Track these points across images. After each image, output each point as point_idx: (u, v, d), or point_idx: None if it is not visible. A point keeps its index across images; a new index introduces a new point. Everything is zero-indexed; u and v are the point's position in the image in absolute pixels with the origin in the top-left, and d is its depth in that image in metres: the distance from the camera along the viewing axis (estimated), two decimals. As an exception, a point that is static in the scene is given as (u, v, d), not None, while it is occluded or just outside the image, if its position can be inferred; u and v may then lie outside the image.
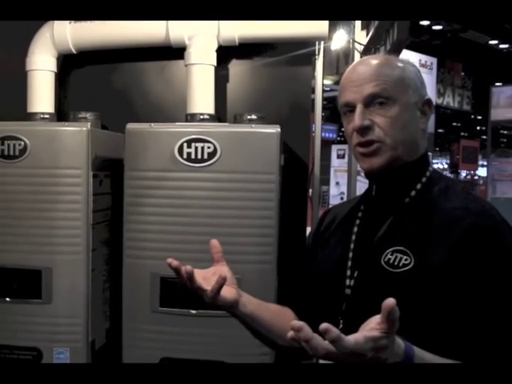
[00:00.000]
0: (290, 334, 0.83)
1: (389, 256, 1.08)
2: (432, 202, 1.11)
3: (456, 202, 1.09)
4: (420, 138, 1.15)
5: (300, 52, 2.10)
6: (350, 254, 1.17)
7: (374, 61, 1.15)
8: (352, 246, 1.18)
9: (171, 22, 1.90)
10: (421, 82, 1.15)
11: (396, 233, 1.11)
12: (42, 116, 1.96)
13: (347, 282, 1.16)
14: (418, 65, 1.25)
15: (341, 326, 1.16)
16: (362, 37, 2.59)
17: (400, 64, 1.15)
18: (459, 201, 1.09)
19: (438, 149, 19.56)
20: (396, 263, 1.07)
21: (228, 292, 1.17)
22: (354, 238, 1.18)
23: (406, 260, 1.06)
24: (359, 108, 1.12)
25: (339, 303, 1.16)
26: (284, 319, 1.26)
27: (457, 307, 1.00)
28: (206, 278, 1.19)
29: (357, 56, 2.64)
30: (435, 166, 1.28)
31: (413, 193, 1.13)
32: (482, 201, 1.14)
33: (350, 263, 1.16)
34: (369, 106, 1.11)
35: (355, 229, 1.19)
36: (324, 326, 0.78)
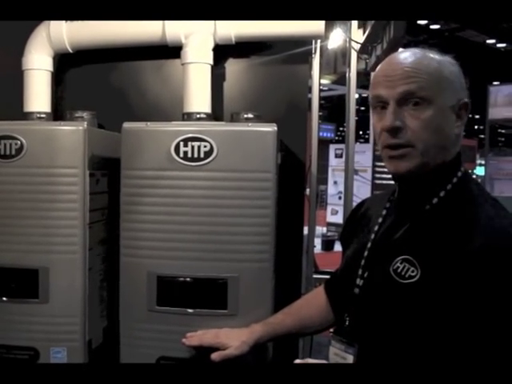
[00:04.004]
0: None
1: (398, 264, 1.06)
2: (450, 214, 1.05)
3: (475, 217, 1.02)
4: (452, 144, 1.09)
5: (297, 51, 2.09)
6: (366, 253, 1.16)
7: (412, 55, 1.07)
8: (369, 245, 1.16)
9: (168, 21, 1.90)
10: (461, 83, 1.07)
11: (409, 240, 1.08)
12: (38, 115, 1.96)
13: (357, 281, 1.15)
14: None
15: (346, 323, 1.16)
16: (358, 35, 2.59)
17: (440, 62, 1.06)
18: (479, 215, 1.02)
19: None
20: (403, 273, 1.05)
21: (229, 352, 1.42)
22: (372, 237, 1.17)
23: (412, 272, 1.03)
24: (392, 106, 1.05)
25: (348, 300, 1.16)
26: (304, 322, 1.47)
27: (457, 329, 0.97)
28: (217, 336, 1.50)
29: (353, 55, 2.65)
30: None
31: (435, 200, 1.08)
32: (504, 217, 1.03)
33: (363, 262, 1.16)
34: (402, 105, 1.04)
35: (376, 228, 1.18)
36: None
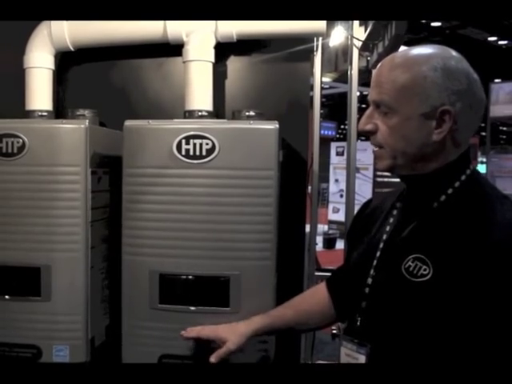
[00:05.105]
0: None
1: (409, 263, 1.06)
2: (460, 210, 1.05)
3: (486, 212, 1.02)
4: (436, 150, 1.07)
5: (298, 48, 2.09)
6: (378, 253, 1.16)
7: (390, 62, 1.09)
8: (381, 245, 1.16)
9: (169, 19, 1.90)
10: (445, 89, 1.03)
11: (419, 239, 1.08)
12: (40, 113, 1.96)
13: (369, 280, 1.15)
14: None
15: (358, 323, 1.16)
16: (360, 33, 2.58)
17: (416, 68, 1.05)
18: (490, 211, 1.02)
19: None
20: (415, 272, 1.04)
21: (227, 349, 1.40)
22: (384, 237, 1.17)
23: (424, 270, 1.03)
24: (368, 110, 1.11)
25: (359, 300, 1.16)
26: (304, 317, 1.44)
27: (471, 325, 0.97)
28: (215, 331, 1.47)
29: (355, 52, 2.64)
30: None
31: (442, 198, 1.08)
32: None
33: (375, 262, 1.15)
34: (377, 109, 1.09)
35: (387, 228, 1.17)
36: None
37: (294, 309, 1.46)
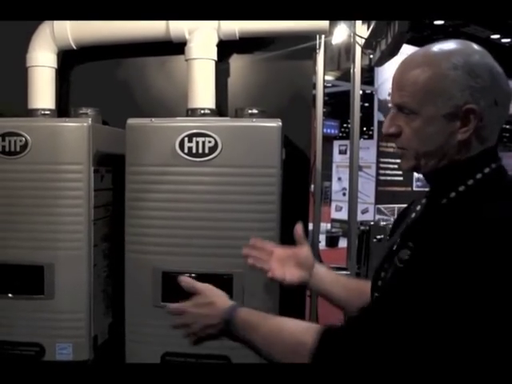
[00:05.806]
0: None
1: (402, 251, 1.07)
2: (467, 207, 1.02)
3: (487, 211, 0.98)
4: (458, 149, 1.04)
5: (301, 46, 2.09)
6: (394, 248, 1.16)
7: (410, 62, 1.07)
8: (398, 240, 1.16)
9: (171, 17, 1.90)
10: (466, 86, 1.00)
11: (417, 230, 1.09)
12: (42, 112, 1.96)
13: (382, 274, 1.16)
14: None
15: None
16: (363, 31, 2.57)
17: (436, 67, 1.02)
18: (493, 210, 0.98)
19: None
20: (402, 258, 1.05)
21: (291, 275, 1.38)
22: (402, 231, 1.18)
23: (407, 255, 1.04)
24: (391, 113, 1.09)
25: (373, 293, 1.17)
26: (362, 297, 1.29)
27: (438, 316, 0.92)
28: (280, 260, 1.41)
29: (358, 50, 2.64)
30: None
31: (452, 194, 1.06)
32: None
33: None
34: (401, 111, 1.07)
35: (408, 222, 1.18)
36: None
37: (352, 290, 1.40)
